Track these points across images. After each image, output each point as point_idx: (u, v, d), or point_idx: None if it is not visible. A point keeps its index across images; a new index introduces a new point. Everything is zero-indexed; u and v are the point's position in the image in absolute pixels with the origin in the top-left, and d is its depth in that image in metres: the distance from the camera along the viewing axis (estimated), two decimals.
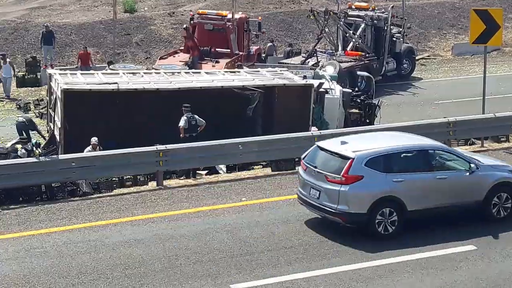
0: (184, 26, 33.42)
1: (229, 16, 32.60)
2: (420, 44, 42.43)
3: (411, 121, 23.27)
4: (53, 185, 18.48)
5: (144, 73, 25.40)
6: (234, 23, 32.54)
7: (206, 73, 25.43)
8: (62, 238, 15.62)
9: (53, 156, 19.35)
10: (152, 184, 19.48)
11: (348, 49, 34.19)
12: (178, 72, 25.68)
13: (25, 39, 37.98)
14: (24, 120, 23.95)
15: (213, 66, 30.26)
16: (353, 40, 34.41)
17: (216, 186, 19.33)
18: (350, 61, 32.79)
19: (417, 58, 38.64)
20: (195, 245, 15.19)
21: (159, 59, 32.63)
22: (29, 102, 30.09)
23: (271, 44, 37.23)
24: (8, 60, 31.92)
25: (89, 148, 19.89)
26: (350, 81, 29.37)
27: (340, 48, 34.46)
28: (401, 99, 32.63)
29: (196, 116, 21.06)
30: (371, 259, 14.56)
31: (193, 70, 27.00)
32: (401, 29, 36.33)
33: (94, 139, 19.84)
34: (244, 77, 24.42)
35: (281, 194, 18.60)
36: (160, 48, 38.63)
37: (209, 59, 31.37)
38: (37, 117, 27.69)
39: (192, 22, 33.15)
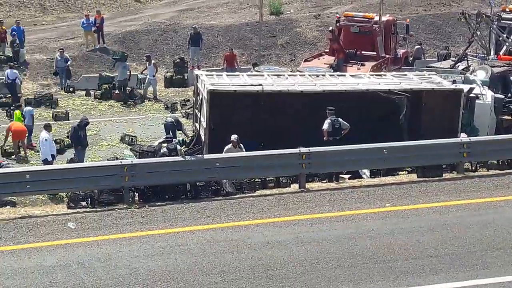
0: (330, 28, 33.19)
1: (376, 18, 32.13)
2: None
3: None
4: (197, 184, 18.76)
5: (289, 75, 25.38)
6: (381, 26, 32.02)
7: (351, 76, 25.14)
8: (205, 236, 15.79)
9: (198, 155, 19.66)
10: (294, 187, 19.40)
11: (501, 53, 32.81)
12: (322, 75, 25.50)
13: (173, 40, 38.94)
14: (172, 120, 24.62)
15: (359, 69, 29.91)
16: (507, 44, 33.07)
17: (359, 190, 19.01)
18: (503, 66, 31.40)
19: None
20: (336, 249, 14.98)
21: (304, 61, 32.60)
22: (176, 102, 30.79)
23: (418, 47, 36.45)
24: (152, 61, 32.78)
25: (229, 146, 20.03)
26: (503, 87, 28.16)
27: (492, 52, 33.13)
28: None
29: (340, 119, 20.82)
30: None
31: (338, 73, 26.75)
32: None
33: (234, 137, 19.96)
34: (391, 81, 23.95)
35: (427, 201, 18.08)
36: (304, 50, 38.63)
37: (355, 62, 31.04)
38: (183, 117, 28.27)
39: (338, 24, 32.90)
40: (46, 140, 20.85)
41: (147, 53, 34.71)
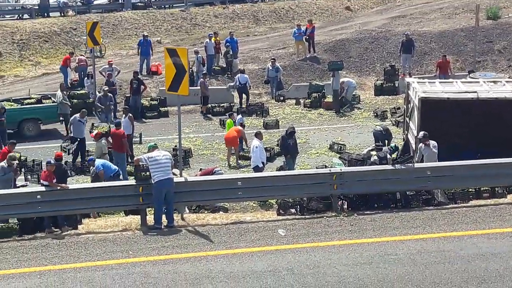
0: None
1: None
2: None
3: None
4: (408, 193, 18.36)
5: (506, 81, 24.26)
6: None
7: None
8: (416, 246, 15.40)
9: (408, 164, 19.20)
10: (511, 197, 18.47)
11: None
12: None
13: (384, 47, 38.63)
14: (381, 129, 24.32)
15: None
16: None
17: None
18: None
19: None
20: None
21: None
22: (386, 110, 30.42)
23: None
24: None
25: None
26: None
27: None
28: None
29: None
30: None
31: None
32: None
33: None
34: None
35: None
36: None
37: None
38: (393, 125, 27.89)
39: None
40: (256, 147, 21.32)
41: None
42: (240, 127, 24.35)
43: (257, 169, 21.04)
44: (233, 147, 24.01)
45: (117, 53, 42.31)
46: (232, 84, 32.78)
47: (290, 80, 35.39)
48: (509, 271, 13.89)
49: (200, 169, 21.78)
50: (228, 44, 36.44)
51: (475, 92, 21.82)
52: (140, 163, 17.13)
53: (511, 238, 15.58)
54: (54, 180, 16.90)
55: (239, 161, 23.98)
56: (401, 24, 42.18)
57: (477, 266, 14.21)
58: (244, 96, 31.85)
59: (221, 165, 22.89)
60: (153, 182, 16.71)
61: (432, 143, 19.75)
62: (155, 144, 18.68)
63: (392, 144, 22.99)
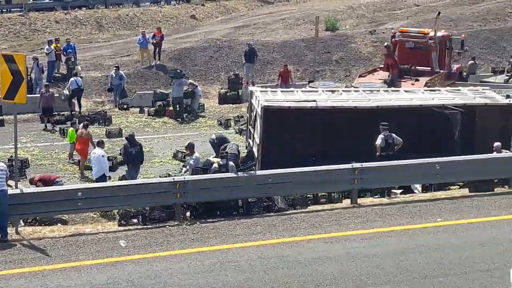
0: (385, 44, 33.05)
1: (432, 34, 31.81)
2: None
3: None
4: (249, 200, 18.73)
5: (343, 90, 25.25)
6: (436, 41, 31.70)
7: (406, 91, 24.90)
8: (256, 252, 15.72)
9: (250, 172, 19.60)
10: (346, 202, 19.28)
11: None
12: (377, 90, 25.30)
13: (229, 56, 39.18)
14: (214, 137, 24.23)
15: (413, 84, 29.60)
16: None
17: (411, 205, 18.84)
18: None
19: None
20: (387, 264, 14.80)
21: (358, 77, 32.44)
22: (230, 119, 30.85)
23: (472, 62, 35.99)
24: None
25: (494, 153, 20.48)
26: None
27: None
28: None
29: (394, 135, 20.66)
30: None
31: (392, 88, 26.56)
32: None
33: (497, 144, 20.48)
34: (444, 96, 23.66)
35: (478, 215, 17.89)
36: (359, 66, 38.53)
37: (409, 77, 30.75)
38: (236, 133, 28.33)
39: (393, 40, 32.68)
40: (103, 156, 21.06)
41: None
42: (88, 136, 23.83)
43: (103, 178, 20.79)
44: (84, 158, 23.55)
45: None
46: (66, 92, 32.04)
47: (134, 88, 35.18)
48: (343, 274, 14.43)
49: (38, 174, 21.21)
50: (70, 50, 35.71)
51: (314, 101, 22.55)
52: None
53: (346, 242, 16.19)
54: None
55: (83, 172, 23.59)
56: (245, 34, 42.96)
57: (314, 270, 14.66)
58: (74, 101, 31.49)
59: (61, 175, 22.39)
60: None
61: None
62: None
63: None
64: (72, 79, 32.07)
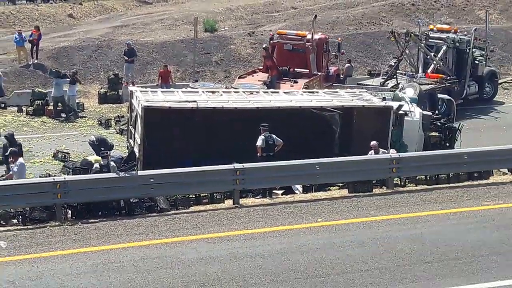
0: (264, 45, 33.52)
1: (309, 36, 32.53)
2: (503, 68, 41.59)
3: (493, 146, 22.91)
4: (131, 200, 18.74)
5: (223, 92, 25.55)
6: (314, 44, 32.45)
7: (285, 93, 25.44)
8: (139, 253, 15.80)
9: (132, 172, 19.62)
10: (229, 202, 19.57)
11: (428, 71, 33.78)
12: (256, 92, 25.76)
13: (108, 56, 38.72)
14: (94, 139, 23.99)
15: (292, 86, 30.23)
16: (434, 62, 34.01)
17: (292, 206, 19.29)
18: (431, 84, 32.36)
19: (499, 81, 37.89)
20: (270, 264, 15.17)
21: (238, 78, 32.78)
22: (110, 119, 30.60)
23: (348, 65, 37.05)
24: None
25: (371, 152, 20.87)
26: (431, 104, 29.05)
27: (420, 70, 34.08)
28: (483, 123, 32.04)
29: (274, 136, 21.05)
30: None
31: (272, 90, 27.03)
32: (483, 52, 35.71)
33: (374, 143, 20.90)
34: (323, 98, 24.33)
35: (357, 216, 18.51)
36: (239, 67, 38.88)
37: (288, 79, 31.32)
38: (117, 133, 28.15)
39: (271, 42, 33.20)
40: None
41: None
42: None
43: None
44: None
45: None
46: None
47: (12, 87, 34.24)
48: (226, 273, 14.71)
49: None
50: None
51: (195, 101, 22.72)
52: None
53: (228, 242, 16.49)
54: None
55: None
56: (124, 34, 42.58)
57: (197, 270, 14.88)
58: None
59: None
60: None
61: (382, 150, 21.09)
62: None
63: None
64: None
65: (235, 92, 25.73)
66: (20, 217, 17.73)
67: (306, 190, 21.09)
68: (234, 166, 19.47)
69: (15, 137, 21.85)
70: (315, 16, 34.61)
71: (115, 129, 29.11)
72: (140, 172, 19.72)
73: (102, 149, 22.19)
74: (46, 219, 17.67)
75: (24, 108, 31.67)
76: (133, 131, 23.64)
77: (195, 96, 23.69)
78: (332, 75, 33.81)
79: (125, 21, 47.12)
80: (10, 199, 17.53)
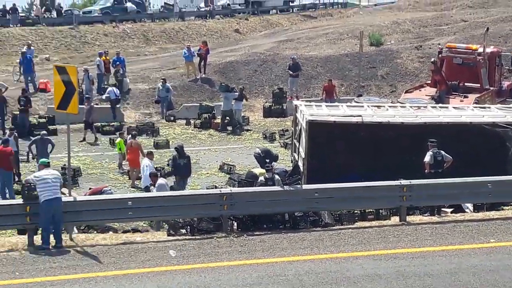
0: (432, 59, 32.79)
1: (480, 50, 31.47)
2: None
3: None
4: (296, 214, 18.70)
5: (389, 106, 25.11)
6: (485, 57, 31.34)
7: (454, 108, 24.69)
8: (304, 267, 15.64)
9: (297, 186, 19.59)
10: (395, 219, 19.09)
11: None
12: (424, 106, 25.14)
13: (272, 70, 39.25)
14: (260, 151, 24.30)
15: (462, 101, 29.33)
16: None
17: (462, 225, 18.50)
18: None
19: None
20: (439, 285, 14.56)
21: (405, 92, 32.24)
22: (275, 132, 30.90)
23: None
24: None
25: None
26: None
27: None
28: None
29: (443, 152, 20.37)
30: None
31: (440, 105, 26.33)
32: None
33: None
34: (495, 113, 23.37)
35: None
36: (405, 82, 38.27)
37: (457, 93, 30.48)
38: (281, 146, 28.35)
39: (440, 55, 32.40)
40: (147, 166, 21.20)
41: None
42: (138, 145, 24.00)
43: (147, 189, 20.93)
44: (135, 168, 23.72)
45: (4, 70, 41.21)
46: (103, 97, 32.98)
47: (180, 101, 35.47)
48: None
49: (90, 188, 21.48)
50: (118, 63, 36.20)
51: (360, 116, 22.45)
52: (28, 183, 16.80)
53: (395, 260, 16.02)
54: None
55: (135, 182, 23.77)
56: (289, 48, 43.02)
57: (363, 287, 14.53)
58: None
59: (111, 185, 22.62)
60: (40, 201, 16.38)
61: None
62: (48, 162, 18.22)
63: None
64: (109, 88, 32.85)
65: (401, 106, 25.22)
66: (189, 227, 18.08)
67: (477, 208, 20.25)
68: (400, 182, 18.96)
69: (184, 149, 22.41)
70: (487, 29, 33.50)
71: (279, 142, 29.35)
72: (305, 186, 19.62)
73: (267, 160, 22.46)
74: (213, 230, 17.89)
75: (192, 121, 32.66)
76: (297, 145, 23.68)
77: (360, 111, 23.42)
78: (505, 90, 32.50)
79: (290, 36, 47.60)
80: (180, 210, 17.92)
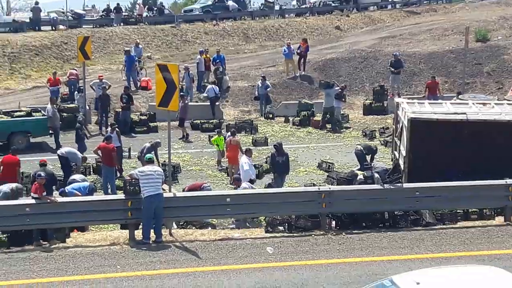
0: None
1: None
2: None
3: None
4: (396, 213, 18.38)
5: (495, 104, 24.34)
6: None
7: None
8: (403, 266, 15.29)
9: (397, 184, 19.27)
10: (499, 219, 18.56)
11: None
12: None
13: (374, 67, 38.79)
14: (361, 148, 23.90)
15: None
16: None
17: None
18: None
19: None
20: None
21: None
22: (375, 130, 30.51)
23: None
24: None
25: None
26: None
27: None
28: None
29: None
30: None
31: None
32: None
33: None
34: None
35: None
36: None
37: None
38: (381, 144, 27.97)
39: None
40: (245, 163, 21.29)
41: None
42: (237, 143, 24.17)
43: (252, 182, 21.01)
44: (234, 165, 23.87)
45: (107, 68, 42.31)
46: (205, 94, 33.45)
47: (279, 98, 35.50)
48: None
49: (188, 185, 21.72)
50: (218, 61, 36.54)
51: (465, 113, 21.87)
52: (132, 178, 17.14)
53: (499, 261, 15.51)
54: (44, 193, 16.85)
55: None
56: (391, 45, 42.41)
57: None
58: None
59: (209, 181, 22.82)
60: (143, 196, 16.67)
61: None
62: (152, 158, 18.55)
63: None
64: (209, 86, 33.17)
65: (508, 104, 24.41)
66: (286, 224, 18.04)
67: None
68: (506, 182, 18.38)
69: (282, 146, 22.36)
70: None
71: (379, 140, 28.96)
72: (406, 185, 19.30)
73: (368, 157, 22.23)
74: (311, 227, 17.81)
75: (290, 119, 32.57)
76: (398, 143, 23.28)
77: (464, 108, 22.80)
78: None
79: (392, 32, 46.93)
80: (278, 207, 17.89)
